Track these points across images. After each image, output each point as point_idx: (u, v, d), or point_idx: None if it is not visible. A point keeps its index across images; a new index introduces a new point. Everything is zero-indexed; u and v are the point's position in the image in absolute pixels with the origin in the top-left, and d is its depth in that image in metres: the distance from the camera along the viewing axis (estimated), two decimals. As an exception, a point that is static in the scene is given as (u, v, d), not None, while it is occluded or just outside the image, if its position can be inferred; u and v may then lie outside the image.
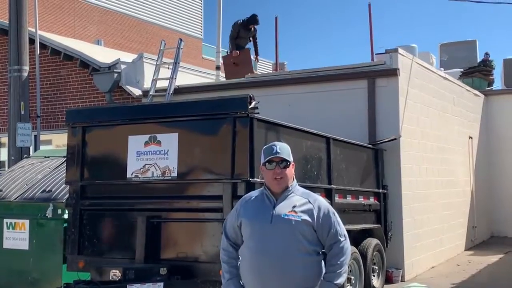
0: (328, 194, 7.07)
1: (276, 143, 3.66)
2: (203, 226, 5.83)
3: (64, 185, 7.53)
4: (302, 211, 3.53)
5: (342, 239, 3.58)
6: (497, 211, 14.69)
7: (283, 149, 3.60)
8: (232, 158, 5.61)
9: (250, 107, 5.60)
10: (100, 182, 6.31)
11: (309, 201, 3.58)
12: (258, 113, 5.70)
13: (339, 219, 3.63)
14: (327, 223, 3.55)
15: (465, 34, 63.48)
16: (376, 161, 8.99)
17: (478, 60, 18.35)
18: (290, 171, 3.61)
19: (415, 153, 9.98)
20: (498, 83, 18.09)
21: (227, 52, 12.20)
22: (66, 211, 6.92)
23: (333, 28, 60.80)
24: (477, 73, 16.63)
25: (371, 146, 9.00)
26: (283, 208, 3.55)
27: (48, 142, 13.60)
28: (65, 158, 8.36)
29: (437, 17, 59.06)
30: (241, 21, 11.82)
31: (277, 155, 3.56)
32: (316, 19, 59.29)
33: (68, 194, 6.57)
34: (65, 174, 7.01)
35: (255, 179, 5.58)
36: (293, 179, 3.67)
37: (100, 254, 6.12)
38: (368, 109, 9.47)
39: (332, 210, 3.62)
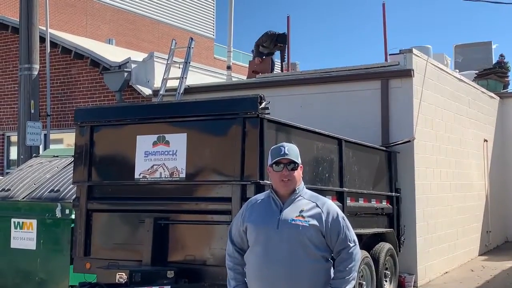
0: (340, 197, 6.92)
1: (284, 144, 3.53)
2: (211, 228, 5.70)
3: (72, 185, 7.46)
4: (310, 216, 3.39)
5: (351, 244, 3.44)
6: (511, 215, 14.44)
7: (291, 150, 3.47)
8: (242, 160, 5.48)
9: (260, 107, 5.46)
10: (108, 182, 6.20)
11: (317, 205, 3.44)
12: (268, 113, 5.56)
13: (348, 224, 3.49)
14: (336, 228, 3.41)
15: (480, 35, 63.01)
16: (389, 163, 8.82)
17: (493, 62, 18.09)
18: (298, 173, 3.48)
19: (429, 155, 9.79)
20: (514, 85, 17.82)
21: (253, 56, 12.34)
22: (74, 211, 6.83)
23: (345, 28, 60.64)
24: (492, 75, 16.36)
25: (384, 148, 8.83)
26: (290, 212, 3.41)
27: (59, 141, 13.54)
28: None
29: (452, 18, 58.75)
30: (273, 33, 11.98)
31: (285, 157, 3.42)
32: (329, 19, 59.13)
33: (75, 194, 6.48)
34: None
35: (265, 181, 5.44)
36: (301, 181, 3.53)
37: (107, 256, 6.00)
38: (381, 111, 9.29)
39: (341, 214, 3.48)
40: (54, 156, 8.98)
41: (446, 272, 10.19)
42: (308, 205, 3.43)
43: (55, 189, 7.62)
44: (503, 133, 14.54)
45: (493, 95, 14.15)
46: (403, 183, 9.01)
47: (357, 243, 3.49)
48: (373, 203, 8.06)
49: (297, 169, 3.45)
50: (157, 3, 26.92)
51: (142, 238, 5.80)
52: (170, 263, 5.73)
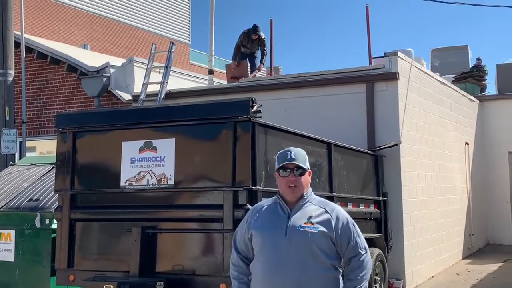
0: (330, 202, 6.76)
1: (291, 148, 3.38)
2: (202, 237, 5.49)
3: (52, 194, 7.20)
4: (319, 222, 3.25)
5: (362, 252, 3.30)
6: (492, 218, 14.50)
7: (299, 155, 3.33)
8: (233, 165, 5.29)
9: (252, 110, 5.29)
10: (92, 190, 5.94)
11: (326, 211, 3.30)
12: (260, 117, 5.39)
13: (359, 230, 3.35)
14: (346, 235, 3.27)
15: (455, 39, 63.83)
16: (376, 167, 8.71)
17: (470, 66, 18.21)
18: (306, 179, 3.33)
19: (415, 159, 9.72)
20: (490, 89, 17.98)
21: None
22: (54, 221, 6.58)
23: (327, 32, 60.85)
24: (470, 78, 16.47)
25: (371, 152, 8.72)
26: (298, 219, 3.26)
27: (31, 149, 13.16)
28: (53, 166, 8.04)
29: (427, 22, 59.34)
30: (246, 30, 11.78)
31: (292, 162, 3.28)
32: (310, 23, 59.27)
33: (57, 203, 6.22)
34: (53, 182, 6.67)
35: (257, 187, 5.26)
36: (309, 187, 3.38)
37: (92, 267, 5.75)
38: (366, 114, 9.19)
39: (351, 220, 3.34)
40: (31, 164, 8.70)
41: (432, 277, 10.11)
42: (317, 211, 3.29)
43: (34, 198, 7.37)
44: (483, 136, 14.59)
45: (473, 98, 14.19)
46: (390, 187, 8.91)
47: (368, 251, 3.34)
48: (362, 208, 7.93)
49: (304, 175, 3.31)
50: (131, 8, 26.58)
51: (129, 248, 5.56)
52: (159, 273, 5.51)
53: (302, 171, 3.29)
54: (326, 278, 3.23)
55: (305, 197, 3.31)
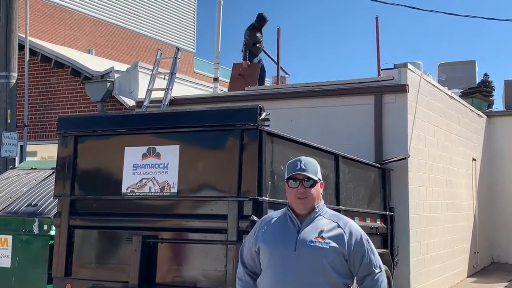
0: (337, 216, 6.57)
1: (302, 158, 3.18)
2: (204, 248, 5.27)
3: (51, 199, 7.02)
4: (331, 237, 3.05)
5: (377, 270, 3.10)
6: (498, 236, 14.27)
7: (309, 165, 3.13)
8: (239, 174, 5.09)
9: (260, 118, 5.11)
10: (92, 197, 5.75)
11: (339, 225, 3.10)
12: (268, 125, 5.21)
13: (373, 247, 3.15)
14: (360, 251, 3.07)
15: (463, 54, 63.83)
16: (383, 181, 8.52)
17: (477, 81, 18.04)
18: (317, 190, 3.13)
19: (422, 174, 9.53)
20: (497, 105, 17.79)
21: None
22: (53, 227, 6.39)
23: (333, 43, 60.82)
24: (477, 94, 16.29)
25: (378, 165, 8.54)
26: (309, 233, 3.06)
27: (32, 154, 12.99)
28: (53, 170, 7.86)
29: (434, 36, 59.34)
30: (253, 24, 11.35)
31: (301, 172, 3.09)
32: (317, 33, 59.27)
33: (55, 209, 6.04)
34: (52, 187, 6.49)
35: (263, 197, 5.07)
36: (321, 199, 3.19)
37: (90, 277, 5.55)
38: (374, 127, 9.01)
39: (365, 236, 3.14)
40: (31, 168, 8.54)
41: (437, 294, 9.90)
42: (329, 225, 3.10)
43: (32, 203, 7.19)
44: (490, 153, 14.39)
45: (481, 113, 14.01)
46: (397, 201, 8.72)
47: (383, 269, 3.14)
48: (368, 222, 7.74)
49: (315, 186, 3.11)
50: (137, 15, 26.51)
51: (128, 257, 5.35)
52: (159, 285, 5.31)
53: (313, 182, 3.10)
54: None
55: (317, 210, 3.13)
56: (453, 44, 56.70)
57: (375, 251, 3.16)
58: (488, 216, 13.95)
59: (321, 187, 3.17)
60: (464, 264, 11.91)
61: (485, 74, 17.97)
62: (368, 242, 3.14)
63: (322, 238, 3.05)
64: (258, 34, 11.35)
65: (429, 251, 9.65)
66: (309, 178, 3.09)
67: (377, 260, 3.13)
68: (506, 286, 10.95)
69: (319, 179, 3.14)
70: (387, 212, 8.45)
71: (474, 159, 13.01)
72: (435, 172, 10.22)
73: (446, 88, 12.60)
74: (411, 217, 8.85)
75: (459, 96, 15.34)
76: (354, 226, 3.15)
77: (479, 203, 13.20)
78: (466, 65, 19.61)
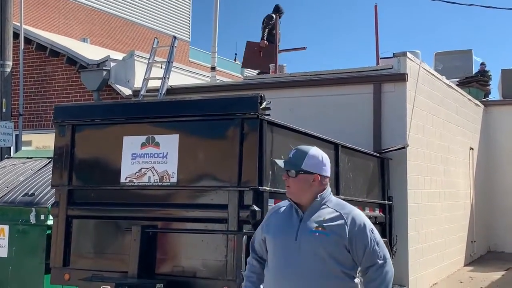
0: (336, 205, 6.54)
1: (298, 147, 3.18)
2: (204, 238, 5.21)
3: (48, 189, 6.96)
4: (332, 226, 3.00)
5: (380, 261, 3.03)
6: (495, 225, 14.29)
7: (298, 155, 3.11)
8: (239, 164, 5.03)
9: (261, 107, 5.05)
10: (90, 186, 5.68)
11: (341, 215, 3.04)
12: (269, 114, 5.15)
13: (378, 237, 3.08)
14: (362, 241, 3.01)
15: (459, 43, 63.79)
16: (382, 170, 8.49)
17: (474, 70, 18.00)
18: (303, 181, 3.07)
19: (421, 163, 9.50)
20: (494, 94, 17.76)
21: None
22: (50, 217, 6.34)
23: (333, 32, 60.65)
24: (474, 83, 16.24)
25: (377, 154, 8.50)
26: (310, 223, 3.04)
27: (28, 143, 12.89)
28: (49, 160, 7.79)
29: (430, 25, 59.22)
30: (272, 14, 11.62)
31: (287, 162, 3.13)
32: (316, 22, 59.07)
33: (53, 199, 5.97)
34: (49, 177, 6.42)
35: (264, 187, 5.02)
36: (326, 189, 3.13)
37: (89, 267, 5.50)
38: (373, 116, 8.96)
39: (369, 225, 3.07)
40: (27, 158, 8.46)
41: (435, 284, 9.90)
42: (331, 214, 3.05)
43: (29, 193, 7.13)
44: (487, 142, 14.39)
45: (478, 103, 13.99)
46: (395, 191, 8.70)
47: (389, 260, 3.09)
48: (367, 212, 7.69)
49: (297, 176, 3.07)
50: (132, 4, 26.30)
51: (128, 247, 5.30)
52: (159, 275, 5.25)
53: (295, 173, 3.07)
54: (339, 287, 3.00)
55: (318, 199, 3.08)
56: (449, 33, 56.66)
57: (381, 241, 3.10)
58: (485, 205, 13.96)
59: (316, 179, 3.09)
60: (461, 253, 11.93)
61: (482, 64, 17.93)
62: (372, 232, 3.07)
63: (323, 227, 3.01)
64: (274, 25, 11.51)
65: (427, 240, 9.64)
66: (291, 169, 3.09)
67: (382, 250, 3.07)
68: (503, 275, 10.96)
69: (303, 170, 3.07)
70: (386, 202, 8.43)
71: (471, 148, 13.00)
72: (433, 161, 10.20)
73: (444, 77, 12.56)
74: (410, 207, 8.83)
75: (456, 85, 15.32)
76: (358, 215, 3.09)
77: (476, 192, 13.21)
78: (463, 54, 19.54)
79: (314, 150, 3.16)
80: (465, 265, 12.04)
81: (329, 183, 3.19)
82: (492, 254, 14.00)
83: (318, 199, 3.09)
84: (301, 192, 3.09)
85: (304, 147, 3.20)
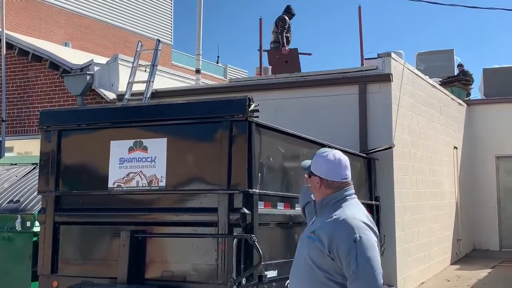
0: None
1: (319, 150, 3.29)
2: (194, 242, 5.17)
3: (33, 195, 6.89)
4: (319, 233, 2.94)
5: (353, 274, 2.80)
6: (479, 223, 14.41)
7: (312, 157, 3.23)
8: (229, 167, 5.01)
9: (249, 109, 5.03)
10: (78, 192, 5.62)
11: (331, 221, 2.92)
12: (257, 116, 5.14)
13: (364, 246, 2.82)
14: (342, 249, 2.84)
15: (441, 43, 64.27)
16: (369, 171, 8.51)
17: (455, 70, 18.13)
18: (312, 183, 3.16)
19: (407, 163, 9.55)
20: (474, 93, 17.91)
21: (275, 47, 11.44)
22: (36, 224, 6.27)
23: (317, 34, 60.74)
24: (456, 83, 16.36)
25: (364, 155, 8.52)
26: (312, 226, 3.11)
27: (10, 149, 12.73)
28: (34, 166, 7.71)
29: (411, 25, 59.58)
30: (284, 15, 11.40)
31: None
32: (301, 24, 59.17)
33: (38, 205, 5.90)
34: (34, 183, 6.36)
35: (253, 190, 5.00)
36: (336, 192, 3.05)
37: (77, 273, 5.43)
38: (359, 116, 8.99)
39: (354, 233, 2.84)
40: (12, 164, 8.37)
41: (422, 283, 9.94)
42: (326, 220, 2.99)
43: (14, 200, 7.06)
44: (470, 141, 14.50)
45: (461, 102, 14.10)
46: (382, 191, 8.72)
47: (375, 275, 2.83)
48: (355, 213, 7.71)
49: (310, 178, 3.18)
50: (113, 7, 26.15)
51: (117, 253, 5.25)
52: (148, 280, 5.20)
53: (308, 174, 3.20)
54: None
55: (323, 203, 3.08)
56: (431, 34, 57.09)
57: (367, 251, 2.83)
58: (470, 203, 14.07)
59: (316, 181, 3.09)
60: (447, 252, 12.00)
61: (459, 65, 18.06)
62: (356, 242, 2.82)
63: (313, 233, 2.99)
64: (289, 26, 11.35)
65: (414, 239, 9.69)
66: (304, 170, 3.26)
67: (362, 263, 2.79)
68: (489, 273, 11.05)
69: (311, 172, 3.16)
70: (373, 202, 8.44)
71: (455, 147, 13.09)
72: (418, 161, 10.25)
73: (428, 77, 12.63)
74: (397, 206, 8.87)
75: (439, 85, 15.43)
76: (346, 220, 2.90)
77: (461, 191, 13.30)
78: (445, 54, 19.66)
79: (324, 153, 3.14)
80: (452, 263, 12.12)
81: (348, 188, 3.12)
82: (477, 252, 14.11)
83: (323, 202, 3.06)
84: (315, 192, 3.14)
85: (320, 150, 3.21)
